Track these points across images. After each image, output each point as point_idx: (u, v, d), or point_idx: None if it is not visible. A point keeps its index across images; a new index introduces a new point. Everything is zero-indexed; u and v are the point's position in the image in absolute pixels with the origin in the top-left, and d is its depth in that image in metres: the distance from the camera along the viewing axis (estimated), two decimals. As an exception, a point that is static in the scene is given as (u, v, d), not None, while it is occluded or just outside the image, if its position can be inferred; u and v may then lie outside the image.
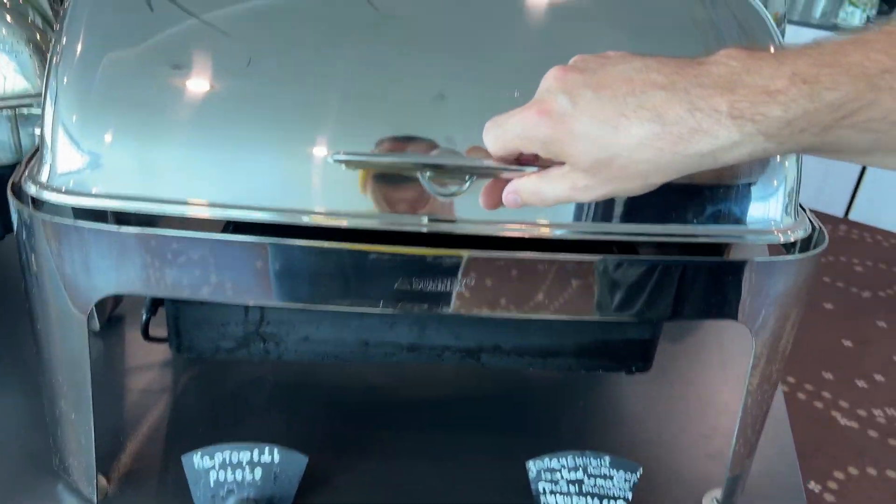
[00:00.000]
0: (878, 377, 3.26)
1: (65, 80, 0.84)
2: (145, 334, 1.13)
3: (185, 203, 0.81)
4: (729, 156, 0.58)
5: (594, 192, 0.63)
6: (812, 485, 2.72)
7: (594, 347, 1.11)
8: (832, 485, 2.78)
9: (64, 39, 0.86)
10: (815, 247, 0.93)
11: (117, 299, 1.38)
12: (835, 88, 0.53)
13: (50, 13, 1.27)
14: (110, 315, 1.36)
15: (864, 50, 0.54)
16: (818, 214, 4.19)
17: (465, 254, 0.83)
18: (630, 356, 1.12)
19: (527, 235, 0.84)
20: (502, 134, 0.66)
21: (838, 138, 0.55)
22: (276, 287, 0.85)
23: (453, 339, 1.09)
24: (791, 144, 0.56)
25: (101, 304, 1.33)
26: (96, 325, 1.33)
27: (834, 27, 4.30)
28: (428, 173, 0.81)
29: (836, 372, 3.33)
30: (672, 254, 0.88)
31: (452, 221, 0.83)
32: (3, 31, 1.18)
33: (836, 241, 4.26)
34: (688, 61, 0.59)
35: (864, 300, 3.80)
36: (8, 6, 1.20)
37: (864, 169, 4.38)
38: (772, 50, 0.71)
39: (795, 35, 4.21)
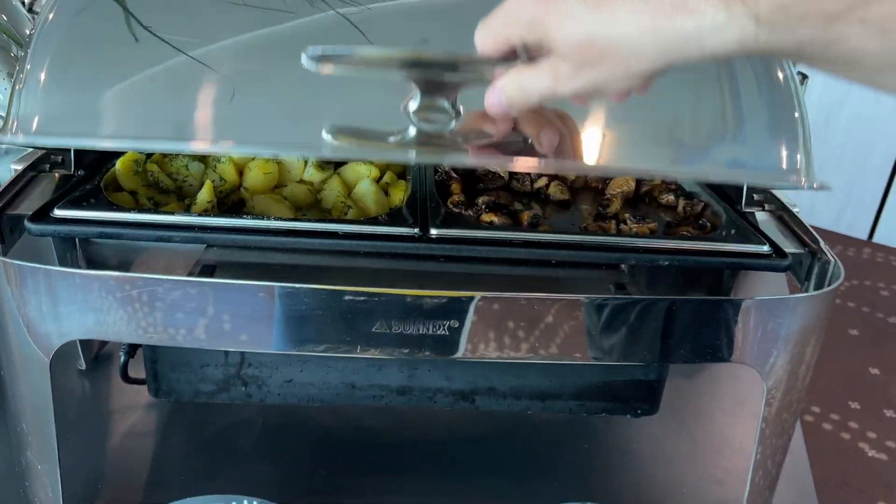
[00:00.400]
0: (908, 407, 3.13)
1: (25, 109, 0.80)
2: (124, 376, 1.09)
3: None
4: (716, 41, 0.52)
5: (577, 80, 0.59)
6: (840, 521, 2.60)
7: (597, 389, 1.04)
8: (861, 520, 2.65)
9: (28, 66, 0.82)
10: (830, 282, 0.86)
11: (104, 337, 1.33)
12: None
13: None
14: (97, 354, 1.32)
15: None
16: (840, 238, 4.06)
17: (448, 294, 0.78)
18: (635, 398, 1.06)
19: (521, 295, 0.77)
20: (490, 26, 0.63)
21: (844, 37, 0.48)
22: (250, 333, 0.80)
23: (445, 381, 1.03)
24: (787, 36, 0.50)
25: (87, 343, 1.28)
26: (82, 363, 1.29)
27: (853, 46, 4.22)
28: (413, 105, 0.70)
29: (863, 401, 3.21)
30: (672, 291, 0.82)
31: (441, 146, 0.73)
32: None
33: (860, 264, 4.13)
34: None
35: (891, 325, 3.67)
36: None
37: (888, 189, 4.26)
38: None
39: (813, 55, 4.13)
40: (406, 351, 0.79)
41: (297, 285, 0.76)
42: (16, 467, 0.94)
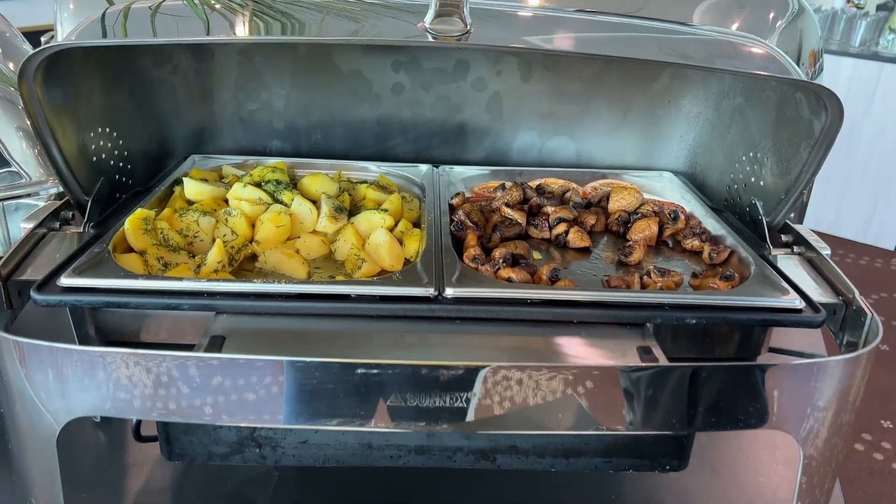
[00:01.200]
0: (943, 425, 3.05)
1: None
2: (137, 435, 1.06)
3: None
4: None
5: None
6: (875, 546, 2.53)
7: (623, 446, 1.00)
8: (898, 547, 2.57)
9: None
10: (867, 340, 0.82)
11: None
12: None
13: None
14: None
15: None
16: (867, 249, 3.98)
17: (465, 364, 0.74)
18: (664, 454, 1.01)
19: (541, 364, 0.74)
20: None
21: None
22: (260, 408, 0.77)
23: (465, 441, 1.00)
24: None
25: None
26: (97, 416, 1.26)
27: (874, 55, 4.13)
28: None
29: (896, 420, 3.12)
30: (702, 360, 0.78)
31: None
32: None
33: (888, 276, 4.04)
34: None
35: (925, 340, 3.58)
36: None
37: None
38: None
39: (835, 66, 4.05)
40: (422, 424, 0.76)
41: (308, 359, 0.73)
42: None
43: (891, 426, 3.06)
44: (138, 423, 1.07)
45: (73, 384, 0.76)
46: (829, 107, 0.93)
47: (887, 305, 3.88)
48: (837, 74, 4.09)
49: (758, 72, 0.92)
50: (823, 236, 1.07)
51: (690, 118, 1.33)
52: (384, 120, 1.36)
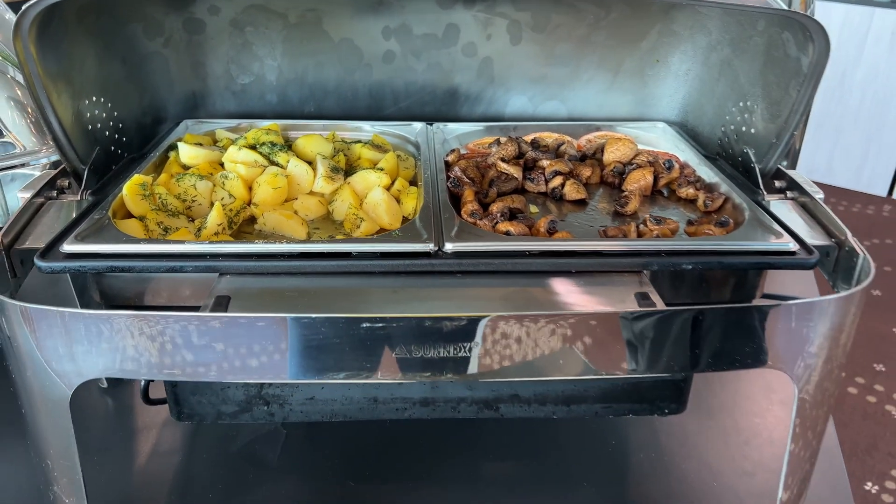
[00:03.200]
0: (935, 366, 3.10)
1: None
2: (146, 398, 1.08)
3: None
4: None
5: None
6: (868, 485, 2.60)
7: (622, 392, 1.03)
8: (890, 484, 2.64)
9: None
10: (859, 279, 0.84)
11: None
12: None
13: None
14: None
15: None
16: (860, 196, 3.99)
17: (467, 315, 0.76)
18: (662, 398, 1.04)
19: (541, 312, 0.76)
20: None
21: None
22: (267, 365, 0.78)
23: (468, 391, 1.02)
24: None
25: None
26: (104, 381, 1.28)
27: (866, 0, 4.09)
28: None
29: (889, 363, 3.18)
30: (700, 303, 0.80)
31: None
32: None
33: (880, 222, 4.06)
34: None
35: (912, 285, 3.62)
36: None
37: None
38: None
39: (826, 11, 4.02)
40: (427, 374, 0.78)
41: (314, 315, 0.75)
42: (44, 500, 0.94)
43: (883, 369, 3.11)
44: (146, 386, 1.09)
45: (83, 347, 0.78)
46: (815, 39, 0.94)
47: (879, 251, 3.92)
48: (829, 20, 4.06)
49: (751, 4, 0.92)
50: (816, 184, 1.08)
51: (679, 76, 1.33)
52: (376, 89, 1.35)
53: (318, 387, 1.01)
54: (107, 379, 1.29)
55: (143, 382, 1.08)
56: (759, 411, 1.27)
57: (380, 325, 0.76)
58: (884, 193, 4.40)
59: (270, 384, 1.00)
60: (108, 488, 1.09)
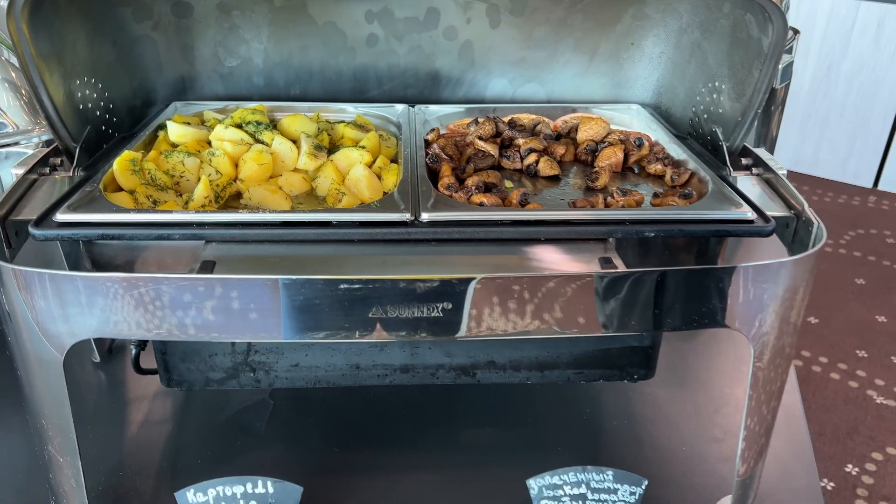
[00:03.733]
0: (916, 352, 3.15)
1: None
2: (136, 368, 1.12)
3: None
4: None
5: None
6: (849, 467, 2.65)
7: (593, 358, 1.07)
8: (870, 466, 2.70)
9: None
10: (814, 244, 0.88)
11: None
12: None
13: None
14: (110, 346, 1.36)
15: None
16: (846, 187, 4.02)
17: (439, 277, 0.80)
18: (631, 364, 1.09)
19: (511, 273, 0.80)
20: None
21: None
22: (251, 324, 0.82)
23: (446, 358, 1.07)
24: None
25: (99, 337, 1.33)
26: (96, 356, 1.33)
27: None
28: None
29: (871, 350, 3.23)
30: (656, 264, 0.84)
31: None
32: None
33: (865, 213, 4.12)
34: None
35: (897, 273, 3.67)
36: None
37: (892, 136, 4.22)
38: None
39: (813, 4, 4.07)
40: (403, 333, 0.82)
41: (295, 276, 0.79)
42: (39, 461, 0.98)
43: (865, 356, 3.16)
44: (137, 355, 1.13)
45: (75, 309, 0.82)
46: (774, 20, 0.98)
47: (864, 241, 3.98)
48: (815, 13, 4.11)
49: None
50: (802, 176, 1.13)
51: (653, 59, 1.38)
52: (360, 72, 1.39)
53: (303, 354, 1.05)
54: (99, 353, 1.33)
55: (133, 352, 1.12)
56: (729, 382, 1.32)
57: (356, 286, 0.80)
58: (869, 185, 4.46)
59: (256, 351, 1.05)
60: (101, 455, 1.13)
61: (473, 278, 0.81)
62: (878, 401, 3.00)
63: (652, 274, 0.82)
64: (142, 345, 1.10)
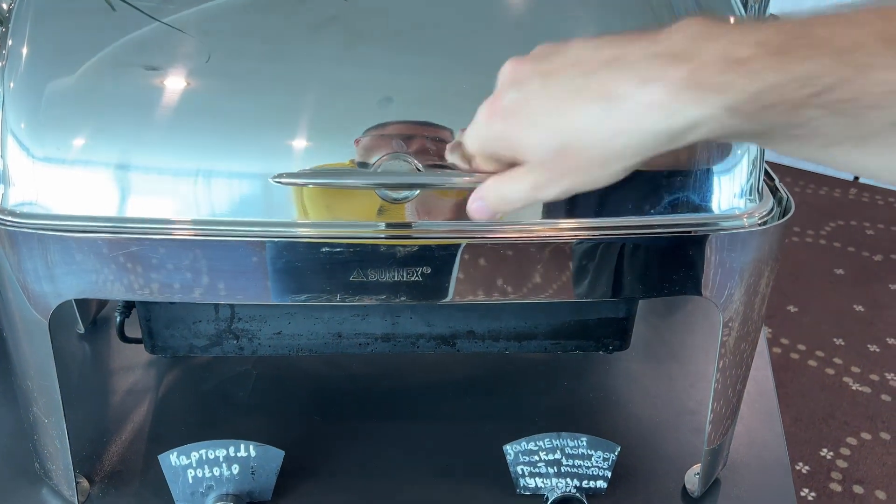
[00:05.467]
0: (891, 341, 3.22)
1: (11, 85, 0.84)
2: (121, 335, 1.14)
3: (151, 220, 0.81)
4: (690, 134, 0.51)
5: (555, 187, 0.58)
6: (824, 451, 2.71)
7: (569, 328, 1.10)
8: (845, 451, 2.75)
9: (10, 42, 0.85)
10: (783, 215, 0.91)
11: (101, 301, 1.38)
12: (805, 60, 0.47)
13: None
14: (95, 318, 1.37)
15: (839, 23, 0.48)
16: (826, 179, 4.08)
17: (419, 242, 0.83)
18: (606, 335, 1.11)
19: (489, 237, 0.82)
20: (463, 148, 0.65)
21: (808, 120, 0.49)
22: (232, 285, 0.84)
23: (426, 327, 1.09)
24: (757, 123, 0.50)
25: (84, 307, 1.34)
26: (80, 327, 1.34)
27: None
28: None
29: (848, 338, 3.29)
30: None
31: (409, 226, 0.82)
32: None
33: (846, 205, 4.18)
34: (644, 34, 0.54)
35: (876, 264, 3.74)
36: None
37: (873, 130, 4.28)
38: (733, 21, 0.68)
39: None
40: (383, 297, 0.84)
41: (277, 238, 0.81)
42: (24, 423, 0.99)
43: (842, 343, 3.21)
44: (122, 323, 1.15)
45: (61, 269, 0.83)
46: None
47: (844, 232, 4.03)
48: (801, 4, 4.15)
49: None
50: (784, 168, 1.16)
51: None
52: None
53: (286, 321, 1.07)
54: (84, 323, 1.35)
55: (118, 319, 1.14)
56: (704, 358, 1.35)
57: (338, 249, 0.82)
58: (850, 177, 4.52)
59: (240, 319, 1.07)
60: (86, 422, 1.15)
61: (450, 243, 0.83)
62: (853, 387, 3.05)
63: (625, 240, 0.84)
64: (126, 312, 1.12)
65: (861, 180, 4.47)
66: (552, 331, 1.09)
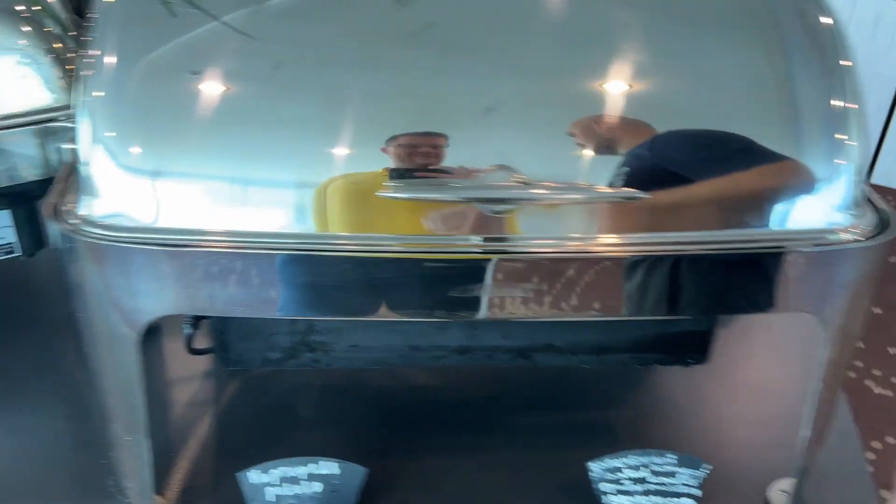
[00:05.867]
0: (911, 343, 3.21)
1: (102, 94, 0.80)
2: (190, 349, 1.11)
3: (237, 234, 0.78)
4: None
5: None
6: (849, 456, 2.68)
7: (649, 342, 1.08)
8: (870, 455, 2.74)
9: (97, 51, 0.82)
10: (884, 230, 0.89)
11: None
12: None
13: (64, 20, 1.23)
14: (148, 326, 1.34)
15: None
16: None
17: (521, 258, 0.80)
18: (686, 349, 1.10)
19: (586, 250, 0.80)
20: None
21: None
22: (327, 301, 0.82)
23: (503, 340, 1.07)
24: None
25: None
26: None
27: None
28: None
29: (869, 341, 3.28)
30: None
31: (506, 240, 0.79)
32: (22, 42, 1.14)
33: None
34: None
35: (893, 265, 3.73)
36: (23, 16, 1.16)
37: (885, 130, 4.28)
38: None
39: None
40: (464, 314, 0.81)
41: (379, 254, 0.78)
42: (98, 439, 0.97)
43: (862, 346, 3.20)
44: (190, 336, 1.12)
45: (152, 285, 0.80)
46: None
47: None
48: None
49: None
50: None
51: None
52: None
53: (362, 334, 1.05)
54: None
55: (186, 332, 1.11)
56: (783, 368, 1.33)
57: (442, 264, 0.80)
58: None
59: (316, 331, 1.04)
60: (153, 434, 1.12)
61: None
62: (876, 391, 3.04)
63: (724, 256, 0.82)
64: (196, 325, 1.09)
65: (874, 181, 4.46)
66: (631, 345, 1.07)
